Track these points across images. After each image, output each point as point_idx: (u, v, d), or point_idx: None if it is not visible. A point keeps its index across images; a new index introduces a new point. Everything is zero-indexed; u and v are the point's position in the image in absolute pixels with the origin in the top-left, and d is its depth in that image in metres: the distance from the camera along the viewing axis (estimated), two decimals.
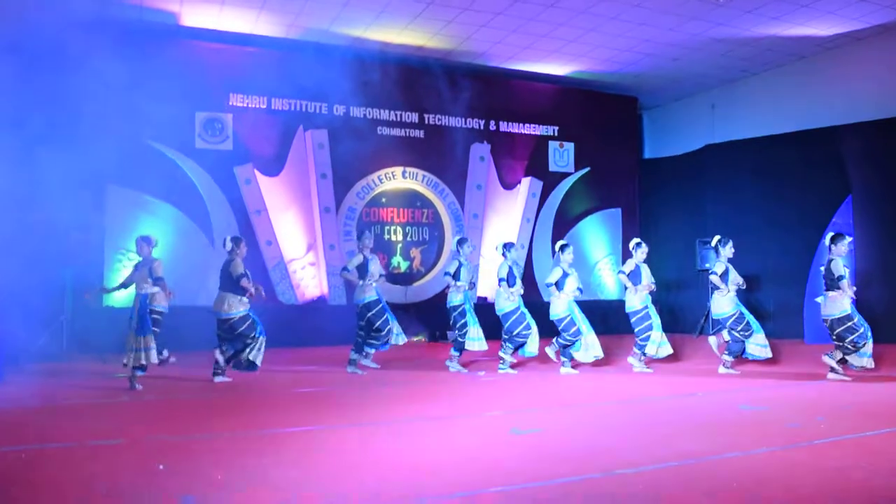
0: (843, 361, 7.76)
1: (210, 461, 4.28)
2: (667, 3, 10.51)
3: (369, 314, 8.44)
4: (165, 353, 8.74)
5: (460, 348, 8.77)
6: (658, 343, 8.56)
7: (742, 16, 10.93)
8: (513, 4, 10.61)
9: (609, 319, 12.40)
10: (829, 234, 8.02)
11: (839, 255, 7.79)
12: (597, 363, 8.93)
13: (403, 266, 12.71)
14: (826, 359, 7.83)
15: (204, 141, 11.57)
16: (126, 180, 10.88)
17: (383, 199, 12.80)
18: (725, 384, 7.55)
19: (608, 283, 14.20)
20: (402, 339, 8.62)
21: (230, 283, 7.84)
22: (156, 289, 7.52)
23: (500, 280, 8.51)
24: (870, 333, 7.68)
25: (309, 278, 12.01)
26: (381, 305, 8.47)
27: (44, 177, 9.00)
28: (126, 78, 9.76)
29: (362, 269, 8.49)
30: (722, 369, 8.39)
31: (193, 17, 10.96)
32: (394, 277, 12.47)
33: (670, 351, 8.71)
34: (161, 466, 4.13)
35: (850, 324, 7.61)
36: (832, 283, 7.72)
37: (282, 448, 4.62)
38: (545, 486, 3.76)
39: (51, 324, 9.31)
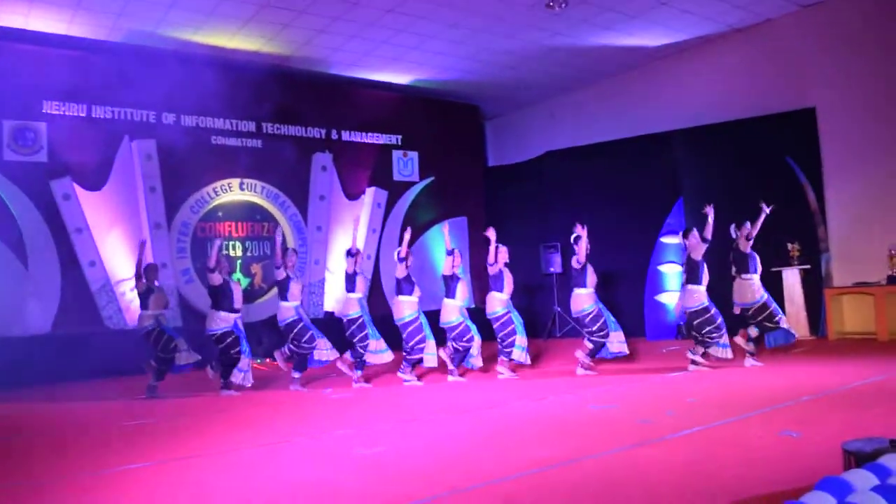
0: (704, 354, 7.97)
1: None
2: (502, 10, 10.58)
3: (293, 332, 8.17)
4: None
5: (362, 365, 8.36)
6: (522, 348, 8.43)
7: (577, 25, 11.19)
8: (350, 10, 10.32)
9: None
10: (681, 231, 8.32)
11: (693, 248, 8.01)
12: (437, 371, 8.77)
13: (244, 283, 12.02)
14: (690, 354, 8.03)
15: (14, 152, 10.44)
16: None
17: (220, 213, 12.08)
18: (575, 385, 7.54)
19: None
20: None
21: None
22: None
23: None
24: (723, 326, 7.98)
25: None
26: (302, 324, 8.22)
27: None
28: None
29: (282, 287, 8.25)
30: (580, 370, 8.37)
31: None
32: None
33: (528, 360, 8.60)
34: None
35: (707, 316, 7.85)
36: (692, 275, 7.92)
37: (99, 494, 4.05)
38: None
39: None
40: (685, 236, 8.17)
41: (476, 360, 8.54)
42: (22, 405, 7.99)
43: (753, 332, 8.07)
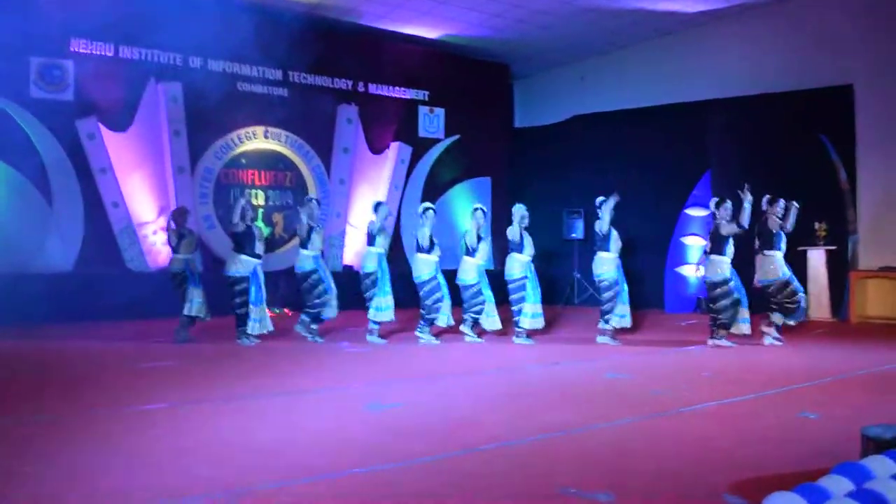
0: (724, 326, 7.85)
1: (18, 451, 3.71)
2: None
3: (305, 282, 8.22)
4: None
5: (375, 320, 8.29)
6: (531, 315, 8.32)
7: None
8: None
9: None
10: (714, 200, 8.12)
11: (725, 220, 7.83)
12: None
13: (266, 232, 12.00)
14: (710, 341, 7.88)
15: (40, 89, 10.40)
16: None
17: (243, 160, 12.03)
18: (591, 353, 7.51)
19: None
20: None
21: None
22: None
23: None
24: (744, 301, 7.86)
25: (161, 243, 11.08)
26: (316, 275, 8.23)
27: None
28: None
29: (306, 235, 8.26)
30: (601, 339, 8.28)
31: None
32: None
33: (542, 324, 8.48)
34: None
35: (726, 288, 7.71)
36: (717, 247, 7.78)
37: (112, 431, 4.09)
38: (400, 467, 3.44)
39: None
40: (717, 206, 7.95)
41: (490, 322, 8.44)
42: (40, 342, 8.08)
43: (777, 318, 7.95)
